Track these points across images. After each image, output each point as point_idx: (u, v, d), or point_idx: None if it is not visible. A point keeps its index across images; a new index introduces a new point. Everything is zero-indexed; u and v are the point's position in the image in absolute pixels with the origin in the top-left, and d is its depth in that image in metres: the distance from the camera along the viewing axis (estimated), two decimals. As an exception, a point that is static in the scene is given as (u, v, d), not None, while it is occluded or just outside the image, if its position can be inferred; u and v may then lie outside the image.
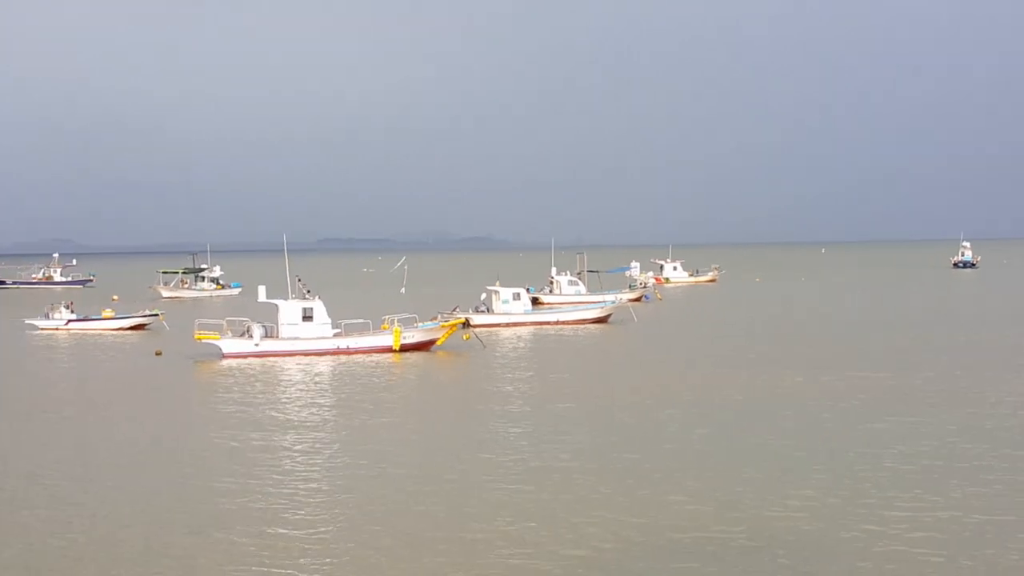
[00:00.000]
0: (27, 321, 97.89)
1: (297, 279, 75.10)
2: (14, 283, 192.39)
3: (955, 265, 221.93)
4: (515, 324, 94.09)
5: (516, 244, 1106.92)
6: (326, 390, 56.70)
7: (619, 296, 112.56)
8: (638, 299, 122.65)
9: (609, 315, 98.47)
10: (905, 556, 26.27)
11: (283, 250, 79.16)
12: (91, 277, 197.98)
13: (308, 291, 74.98)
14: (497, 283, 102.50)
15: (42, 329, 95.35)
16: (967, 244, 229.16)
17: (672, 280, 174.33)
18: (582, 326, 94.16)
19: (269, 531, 29.31)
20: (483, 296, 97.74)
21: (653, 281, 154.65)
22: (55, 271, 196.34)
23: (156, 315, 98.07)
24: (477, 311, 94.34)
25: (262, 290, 75.32)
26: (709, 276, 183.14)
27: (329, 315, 73.51)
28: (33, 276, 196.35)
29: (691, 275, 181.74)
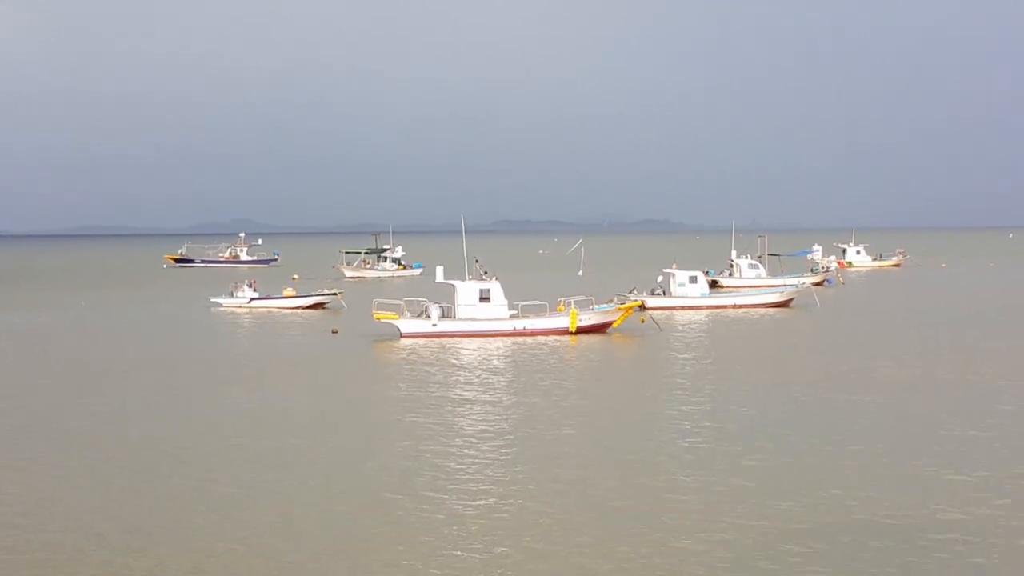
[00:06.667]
0: (212, 299, 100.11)
1: (475, 260, 74.94)
2: (202, 262, 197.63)
3: None
4: (692, 307, 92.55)
5: (694, 227, 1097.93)
6: (502, 371, 56.37)
7: (802, 280, 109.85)
8: (820, 283, 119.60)
9: (790, 299, 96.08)
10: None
11: (461, 231, 79.03)
12: (276, 256, 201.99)
13: (485, 272, 74.78)
14: (674, 266, 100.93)
15: (226, 307, 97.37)
16: None
17: (855, 264, 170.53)
18: (762, 310, 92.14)
19: (441, 511, 28.87)
20: (660, 279, 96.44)
21: (836, 265, 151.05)
22: (241, 250, 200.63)
23: (335, 294, 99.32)
24: (653, 294, 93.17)
25: (440, 271, 75.42)
26: (893, 261, 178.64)
27: (506, 296, 73.24)
28: (220, 255, 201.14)
29: (875, 259, 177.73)
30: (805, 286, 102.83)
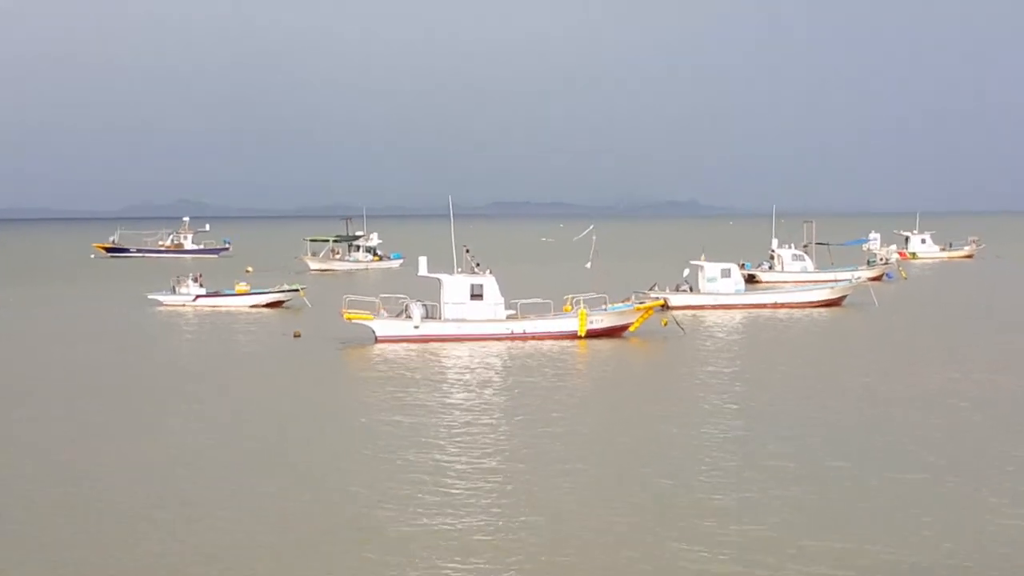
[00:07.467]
0: (150, 296, 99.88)
1: (465, 250, 74.79)
2: (139, 251, 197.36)
3: None
4: (724, 306, 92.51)
5: (726, 211, 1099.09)
6: (498, 383, 56.24)
7: (856, 274, 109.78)
8: (878, 278, 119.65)
9: (843, 297, 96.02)
10: None
11: (449, 215, 78.82)
12: (226, 245, 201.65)
13: (477, 264, 74.65)
14: (703, 257, 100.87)
15: (166, 305, 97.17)
16: None
17: (920, 255, 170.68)
18: (808, 310, 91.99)
19: (422, 558, 28.73)
20: (686, 273, 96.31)
21: (896, 256, 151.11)
22: (185, 237, 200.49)
23: (296, 290, 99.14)
24: (678, 290, 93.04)
25: (423, 262, 75.14)
26: (965, 251, 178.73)
27: (502, 293, 73.07)
28: (160, 243, 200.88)
29: (943, 249, 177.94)
30: (860, 281, 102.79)
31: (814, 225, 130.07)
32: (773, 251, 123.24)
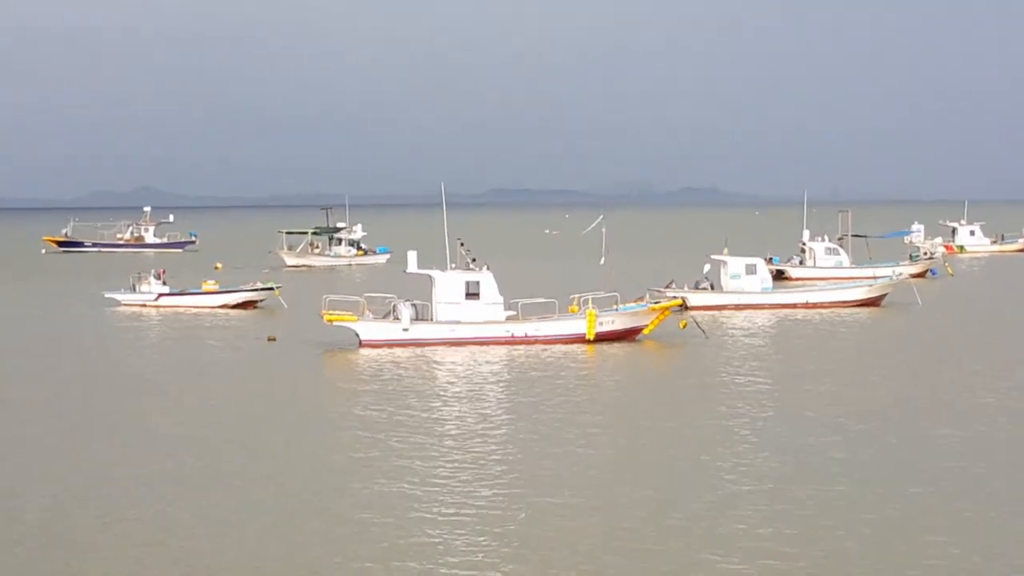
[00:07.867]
0: (107, 295, 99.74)
1: (459, 243, 74.70)
2: (94, 245, 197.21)
3: None
4: (749, 306, 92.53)
5: (751, 199, 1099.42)
6: (496, 393, 56.35)
7: (897, 270, 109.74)
8: (922, 274, 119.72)
9: (882, 296, 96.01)
10: None
11: (441, 204, 78.78)
12: (192, 238, 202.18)
13: (473, 259, 74.54)
14: (725, 251, 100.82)
15: (126, 304, 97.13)
16: None
17: (968, 249, 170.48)
18: (844, 310, 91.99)
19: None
20: (706, 269, 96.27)
21: (942, 250, 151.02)
22: (147, 230, 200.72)
23: (270, 289, 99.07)
24: (698, 288, 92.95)
25: (412, 257, 75.09)
26: (1019, 244, 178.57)
27: (501, 292, 73.02)
28: (119, 236, 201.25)
29: (994, 242, 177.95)
30: (902, 278, 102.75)
31: (850, 215, 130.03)
32: (804, 244, 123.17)
